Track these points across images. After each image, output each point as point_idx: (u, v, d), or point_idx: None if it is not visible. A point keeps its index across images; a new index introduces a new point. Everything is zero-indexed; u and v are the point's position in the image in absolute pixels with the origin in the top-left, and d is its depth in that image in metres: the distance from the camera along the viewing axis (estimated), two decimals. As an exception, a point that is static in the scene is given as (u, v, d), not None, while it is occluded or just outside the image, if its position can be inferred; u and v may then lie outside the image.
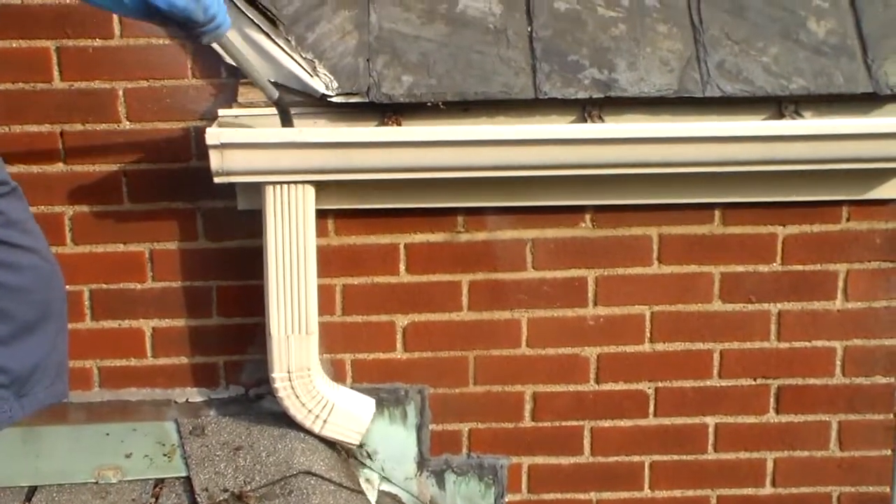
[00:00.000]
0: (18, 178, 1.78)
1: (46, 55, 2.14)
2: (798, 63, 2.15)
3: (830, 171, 2.13)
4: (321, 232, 2.21)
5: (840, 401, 2.37)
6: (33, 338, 1.70)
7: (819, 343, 2.33)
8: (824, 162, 2.10)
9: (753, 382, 2.36)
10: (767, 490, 2.42)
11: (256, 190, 2.12)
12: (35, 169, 2.20)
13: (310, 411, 2.23)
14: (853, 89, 2.13)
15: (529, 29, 2.17)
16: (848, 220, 2.26)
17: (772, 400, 2.37)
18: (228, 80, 2.15)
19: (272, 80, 2.11)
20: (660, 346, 2.33)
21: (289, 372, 2.19)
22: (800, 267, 2.29)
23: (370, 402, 2.31)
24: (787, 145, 2.07)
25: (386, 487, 2.36)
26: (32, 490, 2.17)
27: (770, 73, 2.14)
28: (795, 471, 2.41)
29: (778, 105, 2.16)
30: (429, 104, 2.11)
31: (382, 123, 2.13)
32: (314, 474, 2.15)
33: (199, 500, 2.09)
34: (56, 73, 2.15)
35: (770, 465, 2.40)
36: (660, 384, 2.36)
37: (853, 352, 2.34)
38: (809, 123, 2.11)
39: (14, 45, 2.13)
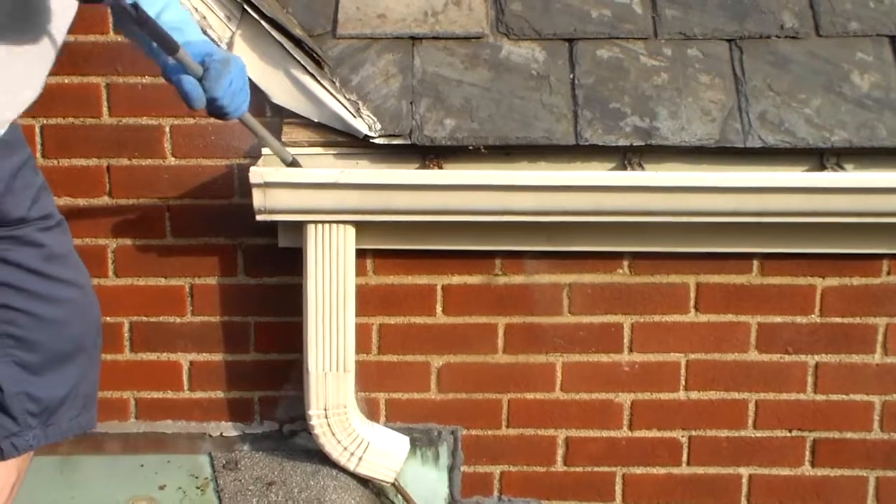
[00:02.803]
0: (64, 210, 1.81)
1: (97, 91, 2.19)
2: (840, 115, 2.14)
3: (871, 224, 2.12)
4: (360, 271, 2.23)
5: (878, 456, 2.34)
6: (65, 369, 1.72)
7: (857, 397, 2.31)
8: (865, 215, 2.10)
9: (789, 434, 2.33)
10: (801, 544, 2.40)
11: (297, 228, 2.15)
12: (81, 202, 2.24)
13: (345, 448, 2.23)
14: (896, 143, 2.13)
15: (572, 76, 2.18)
16: (888, 273, 2.24)
17: (807, 453, 2.34)
18: (273, 118, 2.18)
19: (316, 120, 2.15)
20: (695, 395, 2.32)
21: (325, 409, 2.20)
22: (838, 319, 2.27)
23: (405, 441, 2.31)
24: (828, 197, 2.07)
25: (416, 528, 2.36)
26: (67, 519, 2.20)
27: (812, 124, 2.13)
28: (830, 525, 2.38)
29: (819, 157, 2.15)
30: (470, 148, 2.13)
31: (424, 166, 2.15)
32: (345, 513, 2.16)
33: (231, 535, 2.11)
34: (105, 109, 2.19)
35: (804, 519, 2.38)
36: (694, 433, 2.34)
37: (892, 406, 2.31)
38: (851, 176, 2.11)
39: (66, 80, 2.17)
